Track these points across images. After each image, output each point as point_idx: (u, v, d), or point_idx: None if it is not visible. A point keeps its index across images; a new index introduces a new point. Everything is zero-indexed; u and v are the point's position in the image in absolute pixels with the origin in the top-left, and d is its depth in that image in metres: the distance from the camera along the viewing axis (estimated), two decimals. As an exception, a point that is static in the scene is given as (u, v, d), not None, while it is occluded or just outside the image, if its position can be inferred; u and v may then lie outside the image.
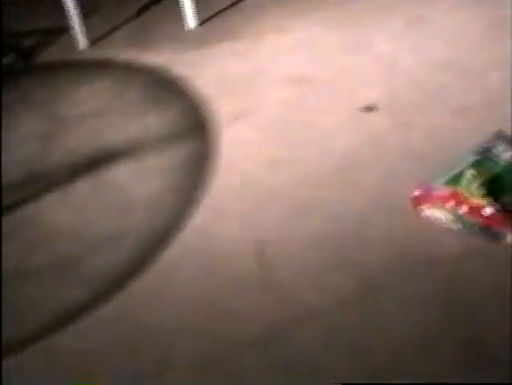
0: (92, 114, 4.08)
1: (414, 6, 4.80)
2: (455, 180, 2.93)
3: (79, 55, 4.89)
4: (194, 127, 3.76)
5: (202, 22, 5.06)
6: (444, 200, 2.91)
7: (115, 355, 2.65)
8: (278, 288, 2.80)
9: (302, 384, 2.44)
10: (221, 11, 5.18)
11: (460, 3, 4.76)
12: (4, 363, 2.64)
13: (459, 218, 2.86)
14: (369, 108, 3.70)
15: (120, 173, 3.55)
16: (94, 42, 5.00)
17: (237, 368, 2.53)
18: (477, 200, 2.83)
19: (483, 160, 2.98)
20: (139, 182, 3.46)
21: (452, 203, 2.88)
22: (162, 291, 2.88)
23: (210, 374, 2.53)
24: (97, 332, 2.75)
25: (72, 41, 4.98)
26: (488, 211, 2.78)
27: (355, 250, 2.88)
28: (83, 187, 3.49)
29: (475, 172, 2.92)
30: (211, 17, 5.11)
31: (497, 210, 2.77)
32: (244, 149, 3.58)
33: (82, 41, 4.96)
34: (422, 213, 2.97)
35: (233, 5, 5.26)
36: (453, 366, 2.39)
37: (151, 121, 3.88)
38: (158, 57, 4.64)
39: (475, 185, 2.87)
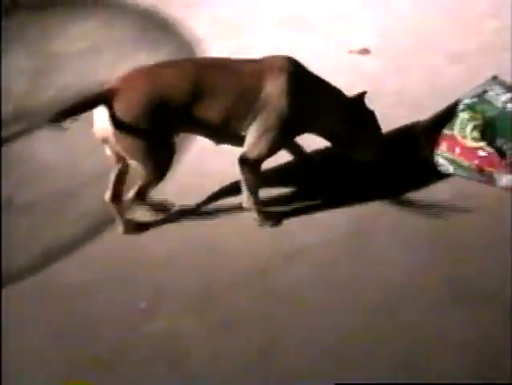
0: (83, 52, 4.03)
1: None
2: (449, 123, 2.96)
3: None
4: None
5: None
6: (438, 142, 2.92)
7: (110, 290, 2.67)
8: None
9: (292, 317, 2.49)
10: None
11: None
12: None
13: (453, 161, 2.87)
14: (363, 51, 3.68)
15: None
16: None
17: (229, 302, 2.56)
18: (470, 143, 2.84)
19: (477, 103, 2.98)
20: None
21: (445, 145, 2.89)
22: (155, 228, 2.89)
23: (204, 308, 2.56)
24: (89, 268, 2.76)
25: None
26: (482, 153, 2.80)
27: (347, 191, 2.90)
28: (74, 124, 3.44)
29: (469, 115, 2.92)
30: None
31: (491, 153, 2.79)
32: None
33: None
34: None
35: None
36: (440, 302, 2.45)
37: (142, 60, 3.82)
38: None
39: (469, 128, 2.87)
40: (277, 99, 2.64)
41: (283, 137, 2.73)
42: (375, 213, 2.82)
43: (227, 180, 3.00)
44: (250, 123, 2.67)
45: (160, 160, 2.67)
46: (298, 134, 2.83)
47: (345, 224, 2.79)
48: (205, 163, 3.15)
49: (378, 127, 2.88)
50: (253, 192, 2.79)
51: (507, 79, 3.14)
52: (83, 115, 2.54)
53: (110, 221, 2.89)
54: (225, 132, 2.72)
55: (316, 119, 2.77)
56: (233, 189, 2.95)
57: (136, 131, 2.54)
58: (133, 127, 2.53)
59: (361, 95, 2.83)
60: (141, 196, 2.81)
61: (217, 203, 2.96)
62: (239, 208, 2.85)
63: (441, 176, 2.90)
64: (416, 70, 3.49)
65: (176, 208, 2.95)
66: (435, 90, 3.31)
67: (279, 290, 2.58)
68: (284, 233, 2.79)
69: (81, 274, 2.74)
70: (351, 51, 3.54)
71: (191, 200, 2.98)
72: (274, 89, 2.64)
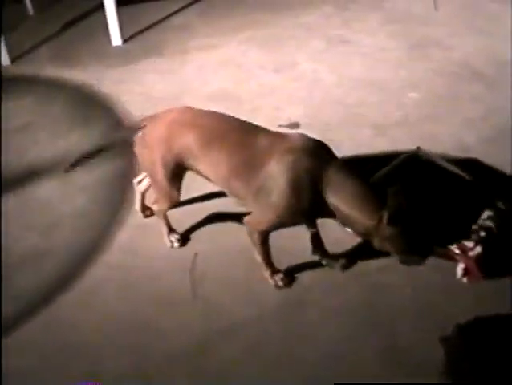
0: (16, 131, 4.04)
1: (336, 27, 4.96)
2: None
3: (1, 72, 4.81)
4: (118, 145, 3.73)
5: (128, 39, 5.08)
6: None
7: (44, 373, 2.63)
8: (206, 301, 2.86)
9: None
10: (147, 28, 5.22)
11: (380, 24, 4.95)
12: None
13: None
14: (292, 125, 3.79)
15: (45, 190, 3.52)
16: (17, 58, 4.95)
17: (165, 381, 2.56)
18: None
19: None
20: (64, 199, 3.44)
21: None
22: (88, 308, 2.87)
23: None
24: (23, 350, 2.72)
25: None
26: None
27: (278, 263, 2.94)
28: (7, 203, 3.43)
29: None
30: (137, 34, 5.14)
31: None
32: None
33: (4, 57, 4.89)
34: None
35: (159, 22, 5.30)
36: (375, 372, 2.50)
37: (75, 138, 3.87)
38: (82, 73, 4.63)
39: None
40: (276, 182, 2.51)
41: (283, 219, 2.61)
42: (305, 286, 2.87)
43: (160, 257, 3.04)
44: (253, 196, 2.61)
45: (167, 192, 2.84)
46: (309, 218, 2.75)
47: (277, 298, 2.83)
48: (137, 241, 3.18)
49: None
50: (262, 257, 2.80)
51: (430, 149, 3.29)
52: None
53: (42, 304, 2.88)
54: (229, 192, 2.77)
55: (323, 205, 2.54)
56: (164, 266, 2.99)
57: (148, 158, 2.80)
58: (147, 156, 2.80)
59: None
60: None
61: (148, 279, 2.98)
62: (171, 285, 2.88)
63: (369, 247, 2.98)
64: (345, 142, 3.60)
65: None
66: (360, 160, 3.42)
67: (215, 368, 2.58)
68: (217, 309, 2.80)
69: (12, 360, 2.69)
70: (280, 126, 3.64)
71: (121, 277, 2.99)
72: (276, 169, 2.51)
